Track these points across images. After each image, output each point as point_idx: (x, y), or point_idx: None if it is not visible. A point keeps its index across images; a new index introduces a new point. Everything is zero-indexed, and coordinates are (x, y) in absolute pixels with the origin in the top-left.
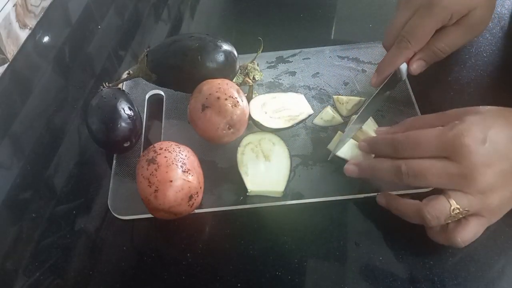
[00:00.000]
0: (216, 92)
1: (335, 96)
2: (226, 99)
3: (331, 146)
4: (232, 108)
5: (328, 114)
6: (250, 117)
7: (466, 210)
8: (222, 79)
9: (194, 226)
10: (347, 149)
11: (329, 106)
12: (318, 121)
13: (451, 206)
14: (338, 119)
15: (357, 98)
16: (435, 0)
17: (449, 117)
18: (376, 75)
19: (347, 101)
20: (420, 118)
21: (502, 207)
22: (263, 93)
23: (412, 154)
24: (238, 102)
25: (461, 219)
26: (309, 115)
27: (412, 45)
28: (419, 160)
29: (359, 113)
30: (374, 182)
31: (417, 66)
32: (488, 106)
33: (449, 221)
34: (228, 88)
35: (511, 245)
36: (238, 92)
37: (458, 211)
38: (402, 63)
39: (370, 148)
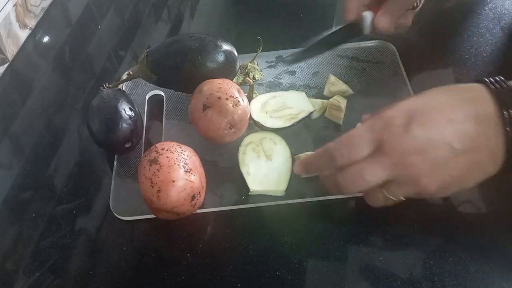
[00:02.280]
0: (217, 92)
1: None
2: (227, 99)
3: None
4: (233, 107)
5: (334, 83)
6: (250, 117)
7: (400, 198)
8: (222, 79)
9: (194, 226)
10: None
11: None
12: (326, 92)
13: (385, 196)
14: (344, 87)
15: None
16: None
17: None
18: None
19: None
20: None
21: (443, 190)
22: (264, 93)
23: (349, 157)
24: (239, 101)
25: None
26: (310, 113)
27: None
28: (352, 166)
29: (313, 42)
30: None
31: (381, 20)
32: (433, 89)
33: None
34: (228, 88)
35: (511, 245)
36: (239, 92)
37: (392, 200)
38: (359, 9)
39: (306, 168)
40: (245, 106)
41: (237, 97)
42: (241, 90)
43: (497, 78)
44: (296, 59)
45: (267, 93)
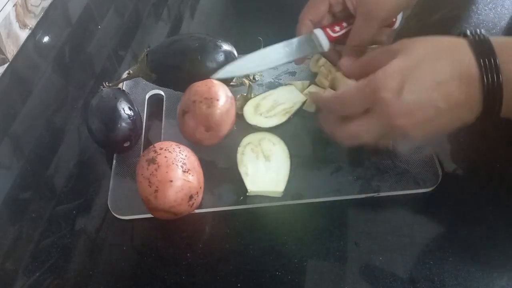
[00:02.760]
0: (193, 95)
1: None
2: (200, 102)
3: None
4: (206, 110)
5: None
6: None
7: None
8: (208, 79)
9: (194, 226)
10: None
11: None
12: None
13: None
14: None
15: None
16: None
17: (374, 65)
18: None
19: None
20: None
21: (425, 138)
22: (255, 96)
23: (343, 113)
24: (213, 103)
25: None
26: (303, 103)
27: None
28: (349, 124)
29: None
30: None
31: (344, 64)
32: (418, 41)
33: None
34: (206, 89)
35: (511, 245)
36: (218, 92)
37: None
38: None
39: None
40: (223, 106)
41: (211, 98)
42: (224, 90)
43: (478, 31)
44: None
45: (257, 96)
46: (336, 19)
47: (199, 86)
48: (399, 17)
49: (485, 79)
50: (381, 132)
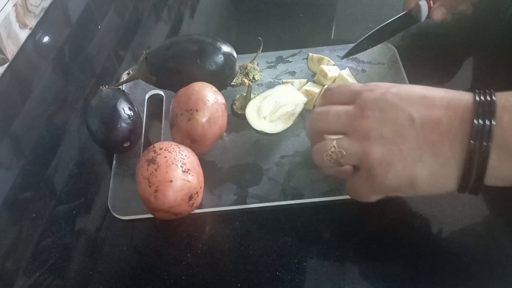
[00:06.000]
0: (176, 107)
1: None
2: (181, 115)
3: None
4: (186, 124)
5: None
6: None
7: (341, 152)
8: (196, 83)
9: (194, 226)
10: None
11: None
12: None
13: (330, 144)
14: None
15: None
16: None
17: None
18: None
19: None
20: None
21: (386, 166)
22: (255, 96)
23: (331, 100)
24: (192, 114)
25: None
26: (305, 103)
27: None
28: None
29: (368, 34)
30: None
31: (437, 12)
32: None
33: (330, 161)
34: (186, 99)
35: (511, 245)
36: (198, 101)
37: (334, 149)
38: None
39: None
40: (206, 115)
41: (191, 110)
42: (207, 95)
43: (487, 90)
44: (351, 51)
45: (256, 97)
46: None
47: (181, 96)
48: None
49: (471, 141)
50: (348, 121)
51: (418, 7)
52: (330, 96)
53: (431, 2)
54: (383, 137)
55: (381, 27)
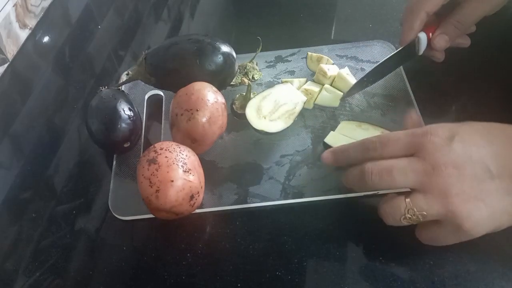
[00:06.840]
0: (176, 107)
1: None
2: (182, 115)
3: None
4: (187, 124)
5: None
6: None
7: (422, 213)
8: (196, 83)
9: (194, 226)
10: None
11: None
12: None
13: (406, 206)
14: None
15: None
16: None
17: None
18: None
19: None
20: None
21: (475, 221)
22: (254, 95)
23: (381, 152)
24: (193, 114)
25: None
26: (304, 102)
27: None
28: (385, 160)
29: (367, 72)
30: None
31: (439, 40)
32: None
33: (409, 222)
34: (186, 99)
35: (511, 245)
36: (198, 101)
37: (413, 212)
38: (419, 28)
39: (336, 156)
40: (206, 115)
41: (191, 110)
42: (207, 95)
43: None
44: (350, 92)
45: (255, 96)
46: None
47: (181, 96)
48: None
49: None
50: (419, 179)
51: (417, 39)
52: (381, 148)
53: (430, 34)
54: (465, 193)
55: (378, 65)
